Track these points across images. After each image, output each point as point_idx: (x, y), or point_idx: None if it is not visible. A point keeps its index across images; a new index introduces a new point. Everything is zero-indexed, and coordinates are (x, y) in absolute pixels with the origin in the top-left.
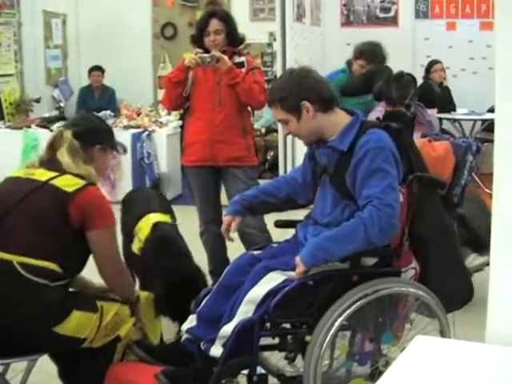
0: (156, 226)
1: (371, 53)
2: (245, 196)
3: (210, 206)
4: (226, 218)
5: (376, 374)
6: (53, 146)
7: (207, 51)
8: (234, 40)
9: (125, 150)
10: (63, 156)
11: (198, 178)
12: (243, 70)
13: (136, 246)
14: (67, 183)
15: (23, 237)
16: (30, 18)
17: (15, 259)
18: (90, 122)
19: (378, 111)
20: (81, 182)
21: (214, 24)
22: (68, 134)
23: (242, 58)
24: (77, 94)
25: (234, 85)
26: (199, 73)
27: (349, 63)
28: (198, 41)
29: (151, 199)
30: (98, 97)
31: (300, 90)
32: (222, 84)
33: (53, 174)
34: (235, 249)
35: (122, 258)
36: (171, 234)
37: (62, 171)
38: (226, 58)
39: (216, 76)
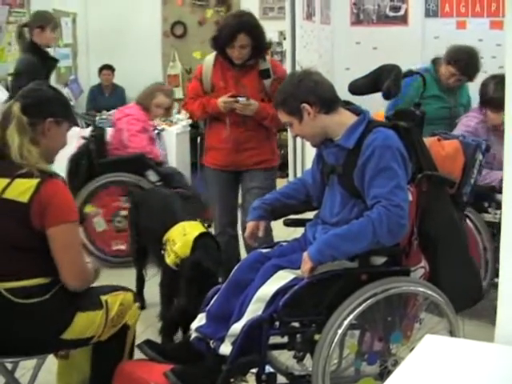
0: (195, 243)
1: (467, 64)
2: (266, 200)
3: (228, 210)
4: (249, 224)
5: (385, 373)
6: (3, 123)
7: (229, 59)
8: (259, 51)
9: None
10: (13, 136)
11: (219, 181)
12: (269, 80)
13: (171, 260)
14: (20, 191)
15: (1, 262)
16: None
17: (2, 287)
18: (40, 93)
19: (472, 117)
20: (32, 184)
21: (242, 39)
22: (16, 107)
23: (267, 64)
24: (87, 92)
25: None
26: (221, 87)
27: (435, 62)
28: (220, 50)
29: (172, 202)
30: (108, 95)
31: (299, 93)
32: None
33: (3, 182)
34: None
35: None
36: (209, 268)
37: (10, 170)
38: (256, 104)
39: (237, 91)
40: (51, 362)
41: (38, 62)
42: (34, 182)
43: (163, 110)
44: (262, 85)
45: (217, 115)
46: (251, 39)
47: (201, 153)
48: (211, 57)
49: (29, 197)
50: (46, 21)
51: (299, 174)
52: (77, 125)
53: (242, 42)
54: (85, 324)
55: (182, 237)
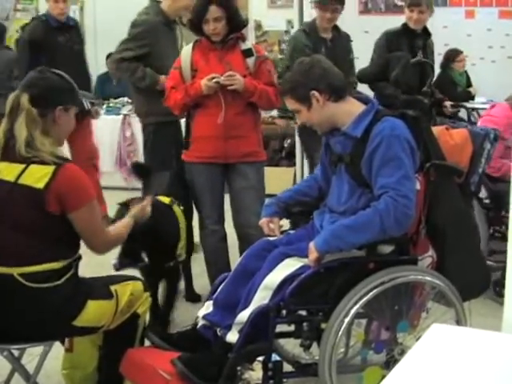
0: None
1: None
2: (280, 198)
3: (216, 205)
4: (263, 221)
5: (391, 362)
6: (11, 115)
7: (208, 38)
8: (236, 25)
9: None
10: (21, 130)
11: (206, 176)
12: (252, 58)
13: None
14: (36, 177)
15: (15, 247)
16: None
17: (15, 271)
18: (47, 82)
19: None
20: (49, 171)
21: (213, 11)
22: (25, 99)
23: (249, 45)
24: (94, 80)
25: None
26: (202, 65)
27: None
28: (196, 28)
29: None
30: (115, 83)
31: (308, 80)
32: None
33: (18, 168)
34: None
35: None
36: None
37: (24, 159)
38: (241, 78)
39: (221, 70)
40: (58, 349)
41: None
42: (50, 168)
43: None
44: (246, 63)
45: (201, 101)
46: (224, 10)
47: None
48: (189, 45)
49: (45, 183)
50: None
51: (306, 163)
52: (83, 107)
53: (214, 15)
54: (96, 312)
55: None
